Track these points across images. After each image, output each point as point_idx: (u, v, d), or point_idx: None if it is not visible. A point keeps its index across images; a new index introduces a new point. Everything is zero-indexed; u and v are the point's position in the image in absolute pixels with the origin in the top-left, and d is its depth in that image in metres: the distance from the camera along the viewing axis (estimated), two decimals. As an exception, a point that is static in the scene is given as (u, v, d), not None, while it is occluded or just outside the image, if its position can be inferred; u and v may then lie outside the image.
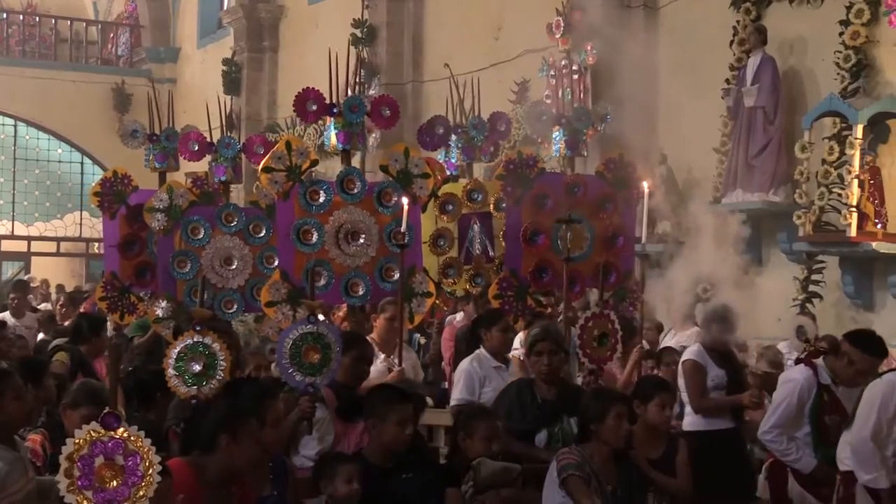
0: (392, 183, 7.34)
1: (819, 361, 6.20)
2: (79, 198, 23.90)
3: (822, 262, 10.10)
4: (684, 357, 7.18)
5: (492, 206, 9.25)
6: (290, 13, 20.07)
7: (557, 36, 12.91)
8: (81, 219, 24.13)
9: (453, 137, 9.48)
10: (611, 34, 12.40)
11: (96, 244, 23.66)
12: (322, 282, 6.99)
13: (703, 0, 11.65)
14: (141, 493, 3.17)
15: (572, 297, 7.98)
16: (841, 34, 9.92)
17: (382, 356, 7.48)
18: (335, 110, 7.28)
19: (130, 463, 3.17)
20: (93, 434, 3.21)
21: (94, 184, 9.18)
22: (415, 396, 5.72)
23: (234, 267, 7.73)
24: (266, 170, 7.04)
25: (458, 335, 9.30)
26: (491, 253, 8.99)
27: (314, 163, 7.14)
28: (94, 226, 23.38)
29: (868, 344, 6.19)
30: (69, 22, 25.70)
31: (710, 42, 11.24)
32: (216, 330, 5.82)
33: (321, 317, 6.04)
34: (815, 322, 6.96)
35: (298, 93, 7.32)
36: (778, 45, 10.68)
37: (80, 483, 3.18)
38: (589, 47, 12.52)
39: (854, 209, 9.25)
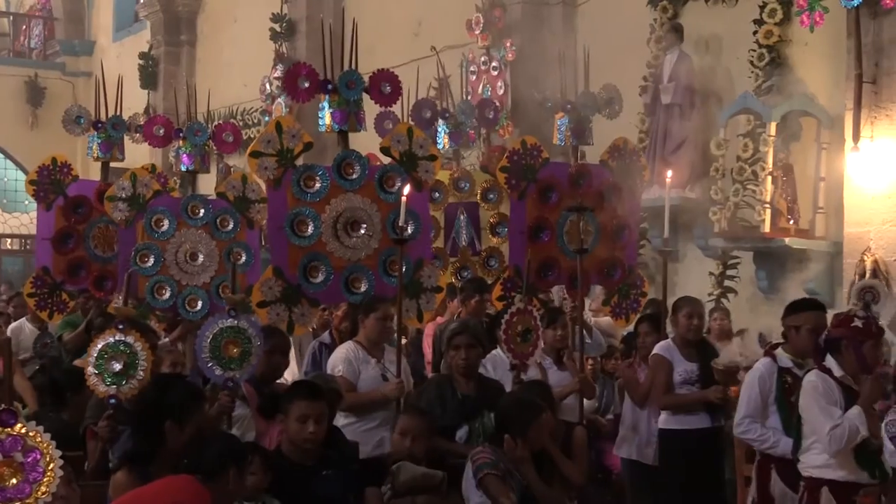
0: (395, 167, 6.75)
1: (777, 350, 6.08)
2: (-12, 192, 23.43)
3: (736, 257, 10.24)
4: (653, 351, 7.02)
5: (479, 195, 8.82)
6: (207, 7, 19.85)
7: (477, 32, 12.95)
8: (-10, 214, 23.65)
9: (440, 122, 8.88)
10: (530, 31, 12.47)
11: (9, 241, 23.25)
12: (320, 277, 6.54)
13: (620, -2, 11.75)
14: (42, 489, 3.09)
15: (576, 294, 7.44)
16: (755, 33, 10.07)
17: (374, 361, 6.46)
18: (330, 87, 6.66)
19: (30, 459, 3.08)
20: (-11, 432, 3.12)
21: (29, 175, 8.57)
22: (329, 392, 5.66)
23: (199, 262, 7.26)
24: (254, 154, 6.49)
25: (437, 333, 8.54)
26: (477, 245, 8.54)
27: (308, 146, 6.59)
28: (6, 221, 22.97)
29: (798, 305, 6.12)
30: (-20, 13, 25.19)
31: (628, 39, 11.33)
32: (139, 329, 5.71)
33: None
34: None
35: (289, 68, 6.75)
36: (694, 43, 10.80)
37: (-23, 482, 3.09)
38: (508, 44, 12.58)
39: (768, 205, 9.39)
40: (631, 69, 11.12)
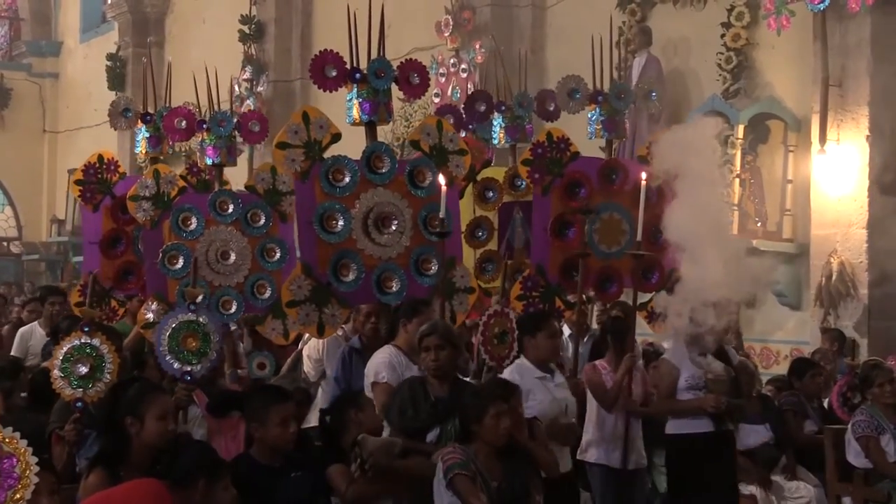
0: (425, 160, 6.46)
1: None
2: (-44, 196, 23.23)
3: (705, 259, 10.30)
4: (662, 356, 6.89)
5: None
6: (176, 8, 19.77)
7: (446, 34, 12.98)
8: (-42, 217, 23.45)
9: (496, 115, 8.36)
10: (499, 33, 12.50)
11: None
12: (351, 276, 6.24)
13: (590, 1, 11.78)
14: (17, 496, 3.06)
15: (607, 297, 7.27)
16: (722, 36, 10.15)
17: (416, 368, 6.02)
18: (358, 76, 6.33)
19: (6, 465, 3.06)
20: (-36, 439, 3.09)
21: (74, 174, 7.84)
22: (297, 392, 5.65)
23: (231, 262, 6.77)
24: (281, 146, 6.22)
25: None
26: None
27: (336, 137, 6.32)
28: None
29: None
30: (-56, 14, 24.94)
31: (596, 42, 11.36)
32: (105, 331, 5.66)
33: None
34: None
35: (315, 56, 6.45)
36: (662, 46, 10.87)
37: (-49, 489, 3.07)
38: (477, 46, 12.61)
39: (735, 207, 9.46)
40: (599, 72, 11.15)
